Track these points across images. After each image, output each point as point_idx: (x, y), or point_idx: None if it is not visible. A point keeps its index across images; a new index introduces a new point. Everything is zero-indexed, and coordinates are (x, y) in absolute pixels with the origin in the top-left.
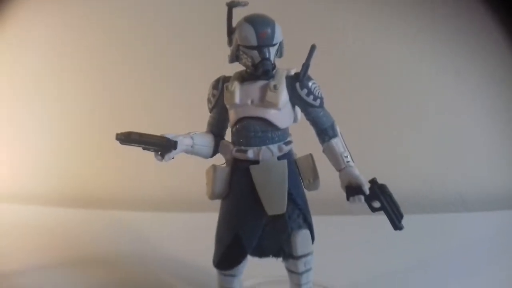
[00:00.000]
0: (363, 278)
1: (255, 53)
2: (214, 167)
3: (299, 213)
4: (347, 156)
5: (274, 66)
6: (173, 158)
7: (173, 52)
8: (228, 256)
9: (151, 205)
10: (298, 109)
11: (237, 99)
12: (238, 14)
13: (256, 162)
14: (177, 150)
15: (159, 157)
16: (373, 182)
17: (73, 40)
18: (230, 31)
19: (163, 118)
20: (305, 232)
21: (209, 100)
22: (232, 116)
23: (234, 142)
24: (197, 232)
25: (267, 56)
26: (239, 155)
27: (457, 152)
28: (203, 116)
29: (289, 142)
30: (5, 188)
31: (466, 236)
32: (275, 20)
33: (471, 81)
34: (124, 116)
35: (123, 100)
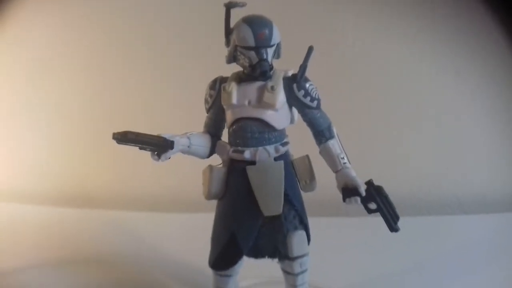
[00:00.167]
0: (359, 280)
1: (252, 54)
2: (210, 167)
3: (295, 214)
4: (343, 158)
5: (271, 67)
6: (169, 158)
7: (171, 53)
8: (224, 257)
9: (148, 205)
10: (295, 110)
11: (234, 100)
12: (236, 15)
13: (252, 162)
14: (173, 150)
15: (156, 157)
16: (369, 183)
17: (70, 39)
18: (228, 31)
19: (161, 118)
20: (301, 233)
21: (206, 101)
22: (229, 116)
23: (231, 143)
24: (193, 232)
25: (265, 57)
26: (236, 156)
27: (454, 154)
28: (200, 116)
29: (286, 143)
30: (2, 186)
31: (462, 239)
32: (273, 21)
33: (470, 82)
34: (121, 116)
35: (121, 99)
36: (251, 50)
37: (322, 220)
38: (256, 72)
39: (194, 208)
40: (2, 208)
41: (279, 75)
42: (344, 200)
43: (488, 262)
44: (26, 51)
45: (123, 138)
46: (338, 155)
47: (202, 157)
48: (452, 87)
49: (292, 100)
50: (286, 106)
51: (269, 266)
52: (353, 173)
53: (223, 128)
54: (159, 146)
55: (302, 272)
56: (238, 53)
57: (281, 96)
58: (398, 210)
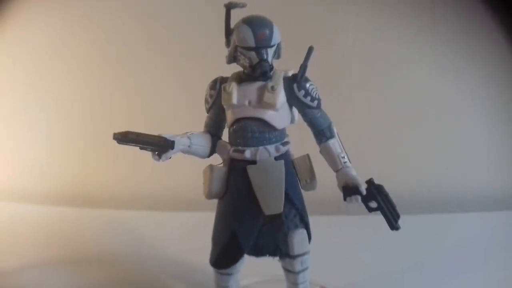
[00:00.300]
0: (360, 278)
1: (253, 54)
2: (211, 167)
3: (296, 213)
4: (344, 157)
5: (271, 67)
6: (170, 158)
7: (171, 53)
8: (225, 255)
9: (148, 204)
10: (295, 110)
11: (234, 100)
12: (236, 16)
13: (253, 162)
14: (174, 150)
15: (156, 157)
16: (369, 182)
17: (70, 39)
18: (228, 32)
19: (161, 118)
20: (302, 232)
21: (206, 101)
22: (230, 116)
23: (231, 142)
24: (194, 231)
25: (265, 57)
26: (236, 155)
27: (454, 153)
28: (201, 116)
29: (286, 143)
30: (2, 186)
31: (462, 237)
32: (273, 21)
33: (470, 82)
34: (121, 116)
35: (121, 99)
36: (251, 51)
37: (323, 218)
38: (257, 72)
39: (195, 207)
40: (2, 207)
41: (279, 75)
42: (344, 199)
43: (488, 260)
44: (26, 51)
45: (124, 138)
46: (338, 155)
47: (203, 157)
48: (452, 87)
49: (293, 100)
50: (286, 106)
51: (270, 265)
52: (353, 172)
53: (224, 128)
54: (160, 146)
55: (303, 270)
56: (238, 54)
57: (281, 96)
58: (398, 208)
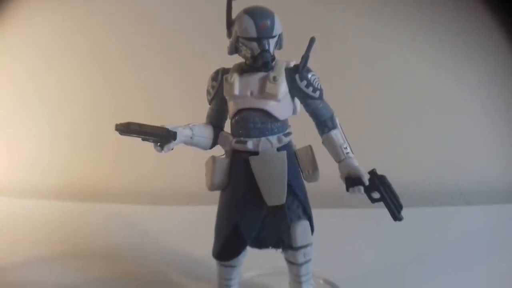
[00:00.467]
0: (362, 271)
1: (254, 45)
2: (213, 158)
3: (298, 204)
4: (346, 148)
5: (273, 58)
6: (172, 149)
7: (172, 46)
8: (228, 247)
9: (150, 198)
10: (297, 101)
11: (236, 91)
12: (238, 6)
13: (255, 153)
14: (176, 141)
15: (159, 148)
16: (372, 173)
17: (71, 35)
18: (230, 23)
19: (163, 110)
20: (305, 223)
21: (208, 92)
22: (232, 107)
23: (233, 134)
24: (196, 225)
25: (267, 47)
26: (239, 146)
27: (456, 145)
28: (203, 108)
29: (289, 134)
30: (4, 182)
31: (464, 229)
32: (275, 12)
33: (471, 74)
34: (123, 110)
35: (122, 94)
36: (253, 41)
37: (326, 211)
38: (258, 63)
39: (197, 201)
40: (5, 203)
41: (281, 66)
42: (347, 189)
43: (489, 253)
44: (28, 48)
45: (126, 129)
46: (341, 145)
47: (205, 148)
48: (452, 80)
49: (295, 91)
50: (288, 96)
51: (273, 257)
52: (356, 162)
53: (226, 119)
54: (162, 137)
55: (306, 262)
56: (240, 44)
57: (283, 87)
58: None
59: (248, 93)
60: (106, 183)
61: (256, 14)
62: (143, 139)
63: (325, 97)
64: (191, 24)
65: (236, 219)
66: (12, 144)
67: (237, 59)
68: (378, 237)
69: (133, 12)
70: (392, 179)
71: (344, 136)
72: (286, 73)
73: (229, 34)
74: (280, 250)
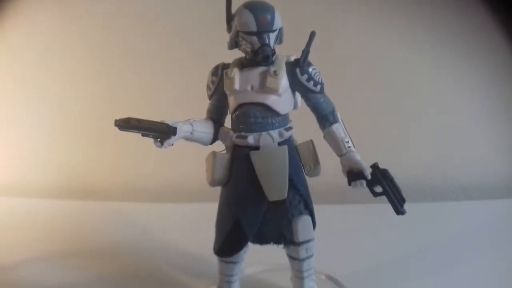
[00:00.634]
0: (365, 266)
1: (254, 39)
2: (214, 153)
3: (300, 199)
4: (348, 142)
5: (274, 52)
6: (172, 144)
7: (172, 42)
8: (229, 243)
9: (151, 196)
10: (298, 95)
11: (236, 85)
12: (237, 1)
13: (256, 148)
14: (176, 136)
15: (158, 144)
16: (374, 167)
17: (69, 34)
18: (229, 17)
19: (163, 107)
20: (306, 218)
21: (208, 87)
22: (232, 102)
23: (234, 129)
24: (197, 222)
25: (267, 42)
26: (239, 141)
27: (457, 140)
28: (203, 105)
29: (290, 128)
30: (3, 181)
31: (466, 224)
32: (275, 6)
33: (472, 71)
34: (122, 107)
35: (121, 91)
36: (253, 35)
37: (328, 207)
38: (259, 57)
39: (197, 198)
40: (4, 202)
41: (281, 60)
42: (349, 183)
43: (491, 247)
44: (27, 46)
45: (126, 124)
46: (342, 139)
47: (205, 144)
48: (454, 76)
49: (295, 85)
50: (289, 91)
51: (275, 253)
52: (358, 156)
53: (226, 114)
54: (162, 132)
55: (308, 257)
56: (240, 39)
57: (284, 81)
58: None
59: (249, 88)
60: (106, 181)
61: (256, 8)
62: (143, 135)
63: (324, 84)
64: (190, 22)
65: (237, 215)
66: (11, 143)
67: (237, 54)
68: (380, 232)
69: (133, 11)
70: (393, 174)
71: (346, 130)
72: (286, 67)
73: (229, 29)
74: (281, 245)
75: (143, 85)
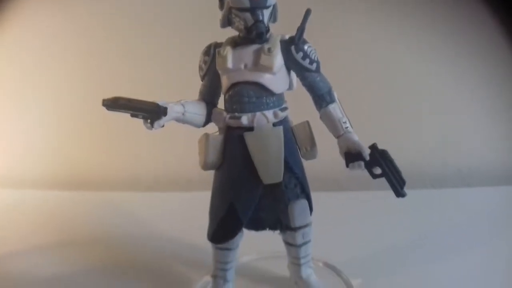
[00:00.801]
0: (363, 253)
1: (247, 15)
2: (206, 135)
3: (296, 183)
4: (345, 122)
5: (268, 29)
6: (163, 126)
7: (167, 35)
8: (223, 229)
9: (144, 186)
10: (293, 76)
11: (229, 64)
12: None
13: (250, 129)
14: (167, 117)
15: (149, 125)
16: (373, 147)
17: (61, 26)
18: None
19: (156, 98)
20: (303, 202)
21: (200, 68)
22: (225, 81)
23: (227, 109)
24: (191, 211)
25: (261, 18)
26: (233, 122)
27: (457, 127)
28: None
29: (285, 109)
30: None
31: (465, 211)
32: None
33: (472, 57)
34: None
35: (114, 81)
36: (246, 12)
37: (325, 194)
38: (252, 34)
39: (192, 186)
40: None
41: (276, 38)
42: (347, 165)
43: (491, 234)
44: (21, 41)
45: (114, 104)
46: (339, 120)
47: (198, 126)
48: (452, 64)
49: (290, 63)
50: (284, 69)
51: (271, 240)
52: (356, 137)
53: (219, 96)
54: (152, 112)
55: (305, 243)
56: (233, 16)
57: (278, 59)
58: None
59: (242, 66)
60: (99, 171)
61: None
62: (132, 115)
63: (320, 63)
64: (183, 5)
65: (231, 199)
66: (2, 134)
67: (231, 33)
68: (379, 219)
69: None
70: None
71: (343, 110)
72: (281, 45)
73: (221, 6)
74: (278, 231)
75: (138, 77)
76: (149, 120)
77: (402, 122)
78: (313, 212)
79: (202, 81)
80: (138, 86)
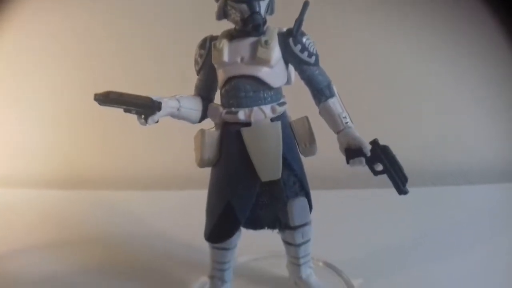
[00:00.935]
0: (363, 252)
1: (244, 7)
2: (202, 131)
3: (295, 180)
4: (345, 117)
5: (265, 21)
6: (157, 121)
7: (165, 33)
8: (220, 228)
9: (141, 184)
10: (292, 69)
11: (225, 57)
12: None
13: (247, 124)
14: (161, 112)
15: (142, 121)
16: (374, 143)
17: (56, 25)
18: None
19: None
20: (302, 200)
21: (196, 62)
22: (221, 75)
23: (223, 104)
24: (188, 210)
25: (257, 9)
26: (229, 118)
27: (458, 125)
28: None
29: (283, 103)
30: None
31: (467, 209)
32: None
33: (472, 56)
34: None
35: (111, 81)
36: (242, 3)
37: (324, 192)
38: (249, 26)
39: (189, 185)
40: None
41: (273, 31)
42: (347, 162)
43: (492, 232)
44: (17, 40)
45: (106, 99)
46: (339, 114)
47: (193, 122)
48: (453, 60)
49: (288, 56)
50: (281, 62)
51: (269, 239)
52: (356, 133)
53: (215, 91)
54: (146, 107)
55: (305, 242)
56: (229, 8)
57: (276, 52)
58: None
59: (238, 59)
60: (95, 170)
61: None
62: (125, 110)
63: (319, 56)
64: (180, 9)
65: (229, 197)
66: None
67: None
68: (379, 217)
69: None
70: None
71: (343, 105)
72: (279, 37)
73: None
74: (276, 230)
75: (135, 75)
76: (143, 116)
77: (403, 120)
78: (312, 211)
79: (197, 75)
80: (136, 85)
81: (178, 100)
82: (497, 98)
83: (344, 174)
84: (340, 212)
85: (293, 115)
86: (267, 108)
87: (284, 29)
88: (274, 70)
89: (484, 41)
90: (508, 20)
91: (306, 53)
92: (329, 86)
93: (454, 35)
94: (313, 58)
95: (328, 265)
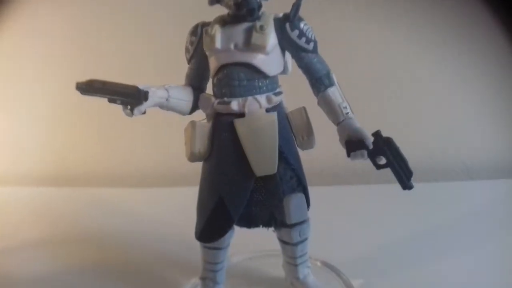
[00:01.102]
0: (363, 251)
1: None
2: (193, 123)
3: (292, 175)
4: (346, 107)
5: (260, 6)
6: (144, 112)
7: (164, 29)
8: (212, 226)
9: (135, 181)
10: (288, 58)
11: (218, 44)
12: None
13: (241, 115)
14: (148, 102)
15: (128, 112)
16: (377, 135)
17: (58, 28)
18: None
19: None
20: (300, 196)
21: (187, 50)
22: (213, 63)
23: (215, 94)
24: (182, 207)
25: None
26: (222, 108)
27: (461, 120)
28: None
29: (279, 93)
30: None
31: (469, 204)
32: None
33: (473, 54)
34: None
35: (102, 75)
36: None
37: (323, 189)
38: (243, 10)
39: (183, 182)
40: None
41: (269, 16)
42: (348, 155)
43: (495, 228)
44: (14, 39)
45: (88, 87)
46: (339, 104)
47: (183, 113)
48: (455, 58)
49: (285, 42)
50: (277, 49)
51: (264, 238)
52: (357, 124)
53: (207, 80)
54: (131, 97)
55: (302, 241)
56: None
57: (271, 37)
58: None
59: (232, 46)
60: (89, 167)
61: None
62: (109, 100)
63: (317, 42)
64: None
65: (221, 193)
66: None
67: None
68: (380, 215)
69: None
70: None
71: (343, 94)
72: (275, 23)
73: None
74: (272, 228)
75: (130, 72)
76: (128, 106)
77: (405, 115)
78: (310, 207)
79: (188, 64)
80: (132, 77)
81: (167, 90)
82: (500, 94)
83: (344, 169)
84: (339, 209)
85: (290, 106)
86: (262, 98)
87: (281, 14)
88: (270, 57)
89: (486, 37)
90: (508, 20)
91: (304, 39)
92: (328, 75)
93: (455, 34)
94: (311, 44)
95: (327, 265)
